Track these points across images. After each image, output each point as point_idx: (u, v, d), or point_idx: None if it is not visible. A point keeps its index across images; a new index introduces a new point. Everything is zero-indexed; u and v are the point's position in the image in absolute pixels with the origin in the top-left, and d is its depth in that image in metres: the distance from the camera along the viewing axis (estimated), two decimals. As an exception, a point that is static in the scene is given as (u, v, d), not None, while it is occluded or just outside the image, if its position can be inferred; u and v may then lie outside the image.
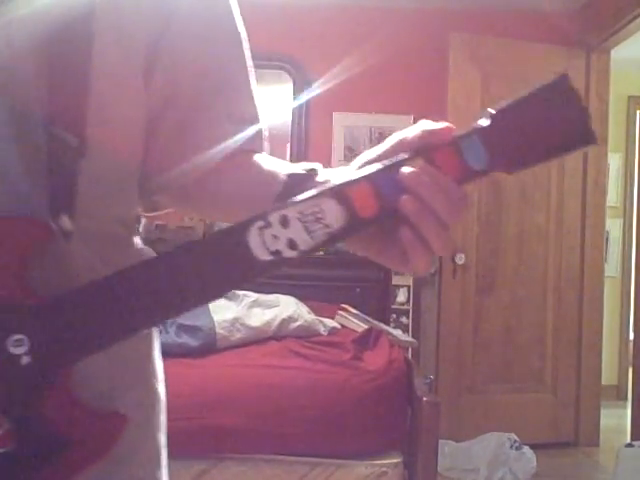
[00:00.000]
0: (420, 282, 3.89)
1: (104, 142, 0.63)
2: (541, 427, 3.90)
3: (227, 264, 0.55)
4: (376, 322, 3.08)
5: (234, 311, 2.65)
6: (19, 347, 0.53)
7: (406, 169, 0.56)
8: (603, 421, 4.04)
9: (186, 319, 2.57)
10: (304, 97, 3.98)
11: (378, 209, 0.56)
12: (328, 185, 0.57)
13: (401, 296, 3.74)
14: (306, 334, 2.68)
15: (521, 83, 3.81)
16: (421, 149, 0.57)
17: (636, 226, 4.41)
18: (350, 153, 4.11)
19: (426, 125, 0.58)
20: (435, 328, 3.90)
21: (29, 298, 0.54)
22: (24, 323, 0.53)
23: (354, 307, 3.23)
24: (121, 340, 0.56)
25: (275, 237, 0.55)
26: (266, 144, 0.79)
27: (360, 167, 0.60)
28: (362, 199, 0.56)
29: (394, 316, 3.70)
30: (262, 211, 0.56)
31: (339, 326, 2.90)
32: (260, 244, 0.55)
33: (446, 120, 0.58)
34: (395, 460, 2.26)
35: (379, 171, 0.57)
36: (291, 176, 0.68)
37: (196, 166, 0.73)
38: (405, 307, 3.74)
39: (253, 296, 2.81)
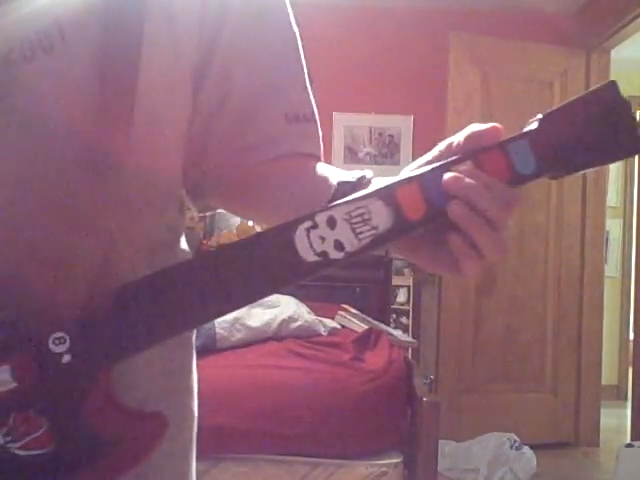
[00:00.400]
0: (420, 282, 3.89)
1: (150, 143, 0.62)
2: (541, 427, 3.90)
3: (273, 264, 0.55)
4: (376, 322, 3.08)
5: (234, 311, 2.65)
6: (60, 345, 0.52)
7: (449, 173, 0.55)
8: (603, 421, 4.04)
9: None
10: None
11: (426, 211, 0.55)
12: (376, 187, 0.56)
13: (401, 296, 3.74)
14: (306, 334, 2.67)
15: (521, 83, 3.82)
16: (469, 152, 0.56)
17: (636, 226, 4.41)
18: (350, 153, 4.11)
19: (474, 127, 0.57)
20: (435, 328, 3.90)
21: (71, 296, 0.54)
22: (66, 321, 0.53)
23: (354, 307, 3.23)
24: (162, 341, 0.55)
25: (322, 238, 0.55)
26: (321, 144, 0.77)
27: (411, 172, 0.59)
28: (410, 201, 0.55)
29: (394, 316, 3.70)
30: (309, 212, 0.55)
31: (339, 326, 2.90)
32: (307, 245, 0.54)
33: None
34: (395, 460, 2.25)
35: (427, 173, 0.56)
36: (341, 184, 0.67)
37: (250, 164, 0.72)
38: (405, 307, 3.74)
39: (253, 296, 2.81)
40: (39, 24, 0.56)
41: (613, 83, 0.56)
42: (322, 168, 0.72)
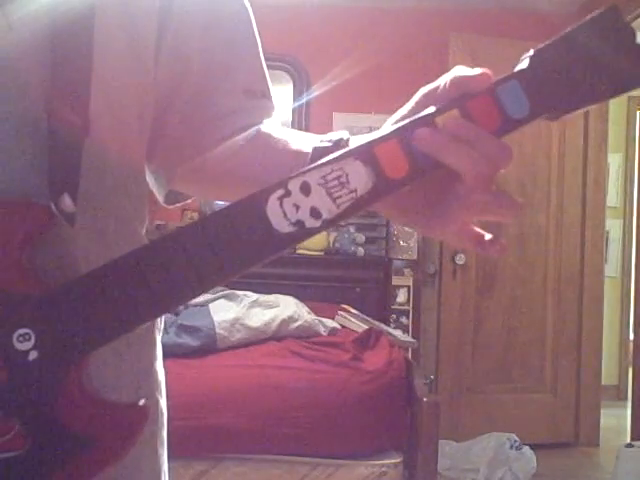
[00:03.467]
0: (420, 282, 3.89)
1: (109, 125, 0.61)
2: (541, 427, 3.90)
3: (245, 239, 0.50)
4: (376, 322, 3.08)
5: (234, 311, 2.65)
6: (25, 342, 0.49)
7: (422, 130, 0.50)
8: (603, 421, 4.04)
9: (186, 319, 2.57)
10: (304, 97, 3.99)
11: (409, 168, 0.51)
12: (352, 146, 0.52)
13: (401, 296, 3.74)
14: (306, 334, 2.67)
15: (521, 83, 3.81)
16: (454, 99, 0.52)
17: (636, 226, 4.41)
18: (350, 153, 4.11)
19: (460, 72, 0.53)
20: (435, 328, 3.90)
21: (32, 289, 0.50)
22: (28, 316, 0.49)
23: (354, 307, 3.23)
24: (133, 328, 0.51)
25: (296, 206, 0.50)
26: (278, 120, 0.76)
27: (391, 126, 0.54)
28: (390, 158, 0.51)
29: (394, 316, 3.70)
30: (280, 179, 0.50)
31: (339, 326, 2.90)
32: (280, 215, 0.50)
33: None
34: (395, 460, 2.26)
35: (407, 126, 0.51)
36: (317, 149, 0.62)
37: (213, 137, 0.71)
38: (405, 307, 3.74)
39: (253, 296, 2.81)
40: None
41: (613, 8, 0.51)
42: (293, 138, 0.71)
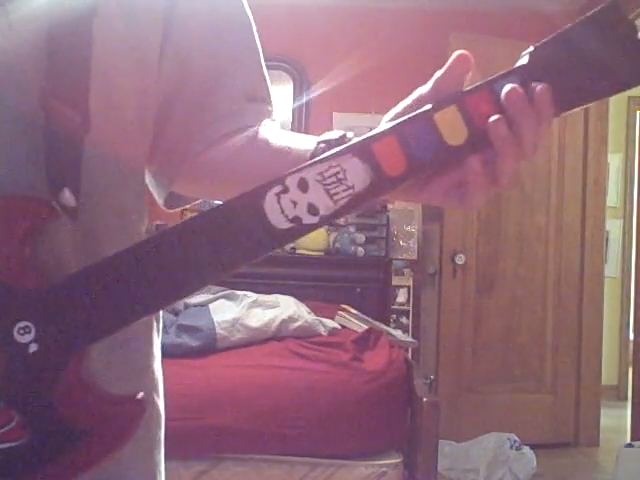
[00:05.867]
0: (420, 282, 3.89)
1: (110, 123, 0.61)
2: (541, 427, 3.90)
3: (243, 235, 0.50)
4: (376, 322, 3.08)
5: (234, 311, 2.65)
6: (26, 335, 0.50)
7: (509, 86, 0.51)
8: (603, 421, 4.04)
9: (186, 319, 2.57)
10: (304, 97, 3.98)
11: (407, 166, 0.51)
12: (349, 142, 0.52)
13: (401, 296, 3.73)
14: (306, 334, 2.67)
15: (521, 83, 3.81)
16: (453, 95, 0.52)
17: (636, 226, 4.41)
18: (350, 153, 4.11)
19: (442, 70, 0.53)
20: (435, 328, 3.90)
21: (33, 283, 0.51)
22: (29, 309, 0.50)
23: (354, 307, 3.23)
24: (131, 322, 0.52)
25: (294, 202, 0.50)
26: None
27: (387, 123, 0.54)
28: (388, 155, 0.51)
29: (394, 316, 3.70)
30: (278, 175, 0.51)
31: (339, 326, 2.90)
32: (277, 211, 0.50)
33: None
34: (395, 460, 2.26)
35: (406, 123, 0.51)
36: (318, 147, 0.63)
37: (212, 137, 0.72)
38: (405, 307, 3.74)
39: (253, 296, 2.81)
40: None
41: (614, 3, 0.50)
42: (294, 138, 0.71)
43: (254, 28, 0.77)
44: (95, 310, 0.51)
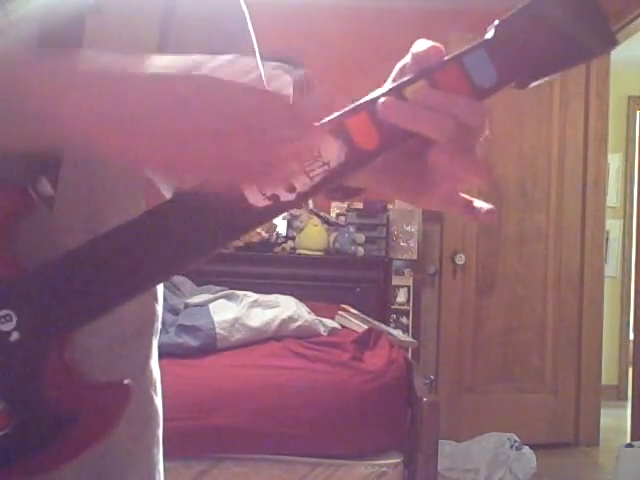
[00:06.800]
0: (420, 282, 3.89)
1: None
2: (541, 427, 3.90)
3: (221, 215, 0.50)
4: (376, 322, 3.08)
5: (234, 311, 2.65)
6: (7, 323, 0.50)
7: (382, 100, 0.51)
8: (603, 421, 4.04)
9: (186, 319, 2.57)
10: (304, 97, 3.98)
11: (380, 140, 0.51)
12: (322, 120, 0.52)
13: (401, 296, 3.73)
14: (306, 334, 2.67)
15: (521, 83, 3.81)
16: (422, 70, 0.53)
17: (636, 226, 4.41)
18: (350, 153, 4.11)
19: (419, 46, 0.54)
20: (435, 328, 3.90)
21: (12, 271, 0.51)
22: (9, 297, 0.50)
23: (354, 307, 3.23)
24: (113, 308, 0.52)
25: None
26: None
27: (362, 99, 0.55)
28: (361, 130, 0.51)
29: (394, 316, 3.70)
30: None
31: (339, 326, 2.90)
32: (254, 189, 0.50)
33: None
34: (395, 460, 2.25)
35: (376, 98, 0.52)
36: None
37: None
38: (405, 307, 3.74)
39: (253, 296, 2.81)
40: None
41: None
42: None
43: (250, 24, 0.77)
44: (74, 296, 0.51)
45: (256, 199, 0.50)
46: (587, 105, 3.97)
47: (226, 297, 2.82)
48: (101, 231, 0.52)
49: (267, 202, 0.50)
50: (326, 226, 3.67)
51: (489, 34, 0.53)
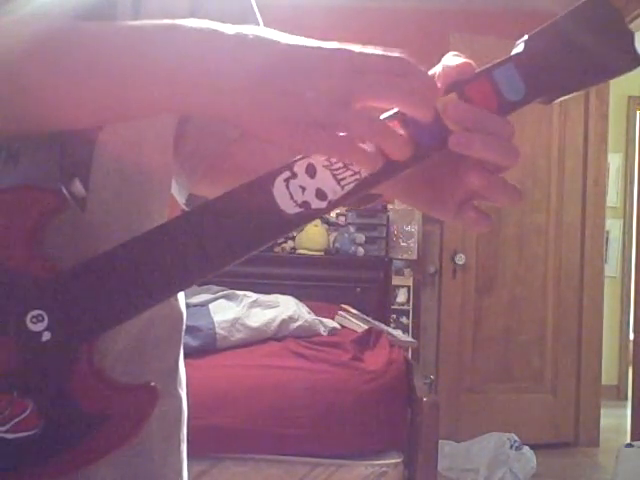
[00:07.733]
0: (420, 282, 3.89)
1: (122, 127, 0.61)
2: (541, 427, 3.91)
3: (253, 220, 0.51)
4: (376, 322, 3.08)
5: (234, 311, 2.65)
6: (39, 323, 0.50)
7: (446, 101, 0.52)
8: (603, 421, 4.04)
9: (186, 319, 2.57)
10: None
11: (413, 152, 0.52)
12: None
13: (401, 296, 3.74)
14: (306, 334, 2.67)
15: (521, 83, 3.82)
16: (453, 83, 0.54)
17: (636, 226, 4.41)
18: (350, 153, 4.11)
19: (448, 60, 0.55)
20: (435, 328, 3.90)
21: (45, 272, 0.51)
22: (42, 298, 0.50)
23: (354, 307, 3.23)
24: (144, 310, 0.52)
25: (302, 188, 0.51)
26: None
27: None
28: None
29: (394, 316, 3.70)
30: (287, 162, 0.52)
31: (339, 326, 2.90)
32: (287, 196, 0.51)
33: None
34: (395, 460, 2.25)
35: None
36: None
37: (235, 137, 0.73)
38: (405, 307, 3.74)
39: (253, 296, 2.81)
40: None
41: None
42: None
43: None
44: (106, 297, 0.51)
45: (287, 205, 0.51)
46: (587, 105, 3.97)
47: (226, 297, 2.82)
48: (132, 233, 0.53)
49: (298, 209, 0.51)
50: (326, 226, 3.67)
51: (518, 48, 0.54)
